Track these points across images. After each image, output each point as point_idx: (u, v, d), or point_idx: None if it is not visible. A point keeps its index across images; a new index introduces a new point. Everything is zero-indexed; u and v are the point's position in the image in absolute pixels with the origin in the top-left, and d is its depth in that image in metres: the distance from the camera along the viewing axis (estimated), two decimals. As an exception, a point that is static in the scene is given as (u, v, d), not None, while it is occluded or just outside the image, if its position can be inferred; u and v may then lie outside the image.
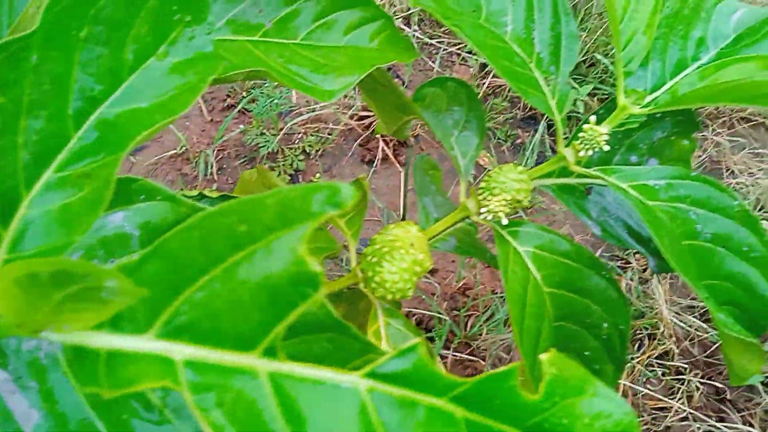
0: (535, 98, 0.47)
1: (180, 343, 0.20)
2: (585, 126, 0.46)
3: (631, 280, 1.13)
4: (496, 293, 1.07)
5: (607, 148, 0.46)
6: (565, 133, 0.50)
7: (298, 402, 0.20)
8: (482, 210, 0.48)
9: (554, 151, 1.24)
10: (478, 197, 0.48)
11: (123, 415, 0.25)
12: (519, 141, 1.23)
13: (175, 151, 1.15)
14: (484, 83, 1.26)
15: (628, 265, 1.15)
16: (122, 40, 0.24)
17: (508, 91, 1.25)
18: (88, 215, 0.23)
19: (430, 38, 1.30)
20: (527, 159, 1.20)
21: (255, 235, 0.19)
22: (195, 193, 0.49)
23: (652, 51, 0.50)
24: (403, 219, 0.85)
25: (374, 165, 1.19)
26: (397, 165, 1.21)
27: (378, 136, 1.21)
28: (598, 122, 0.48)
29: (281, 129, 1.18)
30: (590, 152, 0.46)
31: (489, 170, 0.50)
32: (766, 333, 0.49)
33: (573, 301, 0.52)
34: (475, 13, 0.49)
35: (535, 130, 1.25)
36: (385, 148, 1.20)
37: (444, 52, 1.28)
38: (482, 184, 0.48)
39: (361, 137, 1.21)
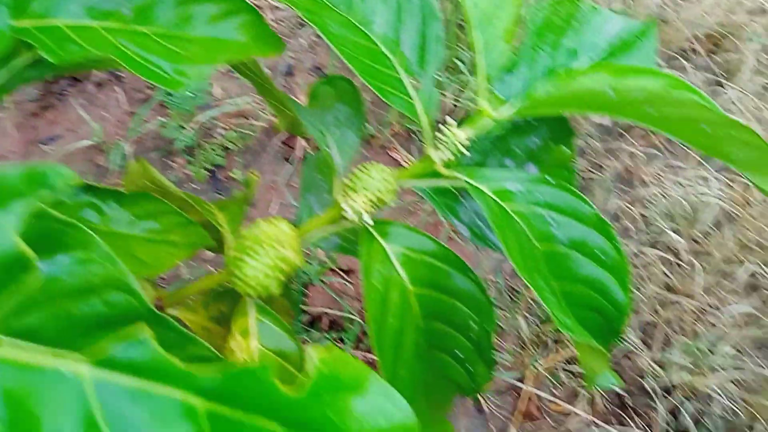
0: (399, 100, 0.47)
1: None
2: (443, 128, 0.47)
3: (543, 285, 1.15)
4: (409, 295, 1.08)
5: (468, 153, 0.47)
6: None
7: (15, 390, 0.20)
8: (344, 207, 0.48)
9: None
10: (342, 195, 0.49)
11: None
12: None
13: (90, 142, 1.13)
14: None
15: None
16: None
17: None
18: None
19: None
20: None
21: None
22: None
23: (521, 58, 0.51)
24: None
25: (294, 163, 1.19)
26: (320, 164, 1.21)
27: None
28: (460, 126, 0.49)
29: (200, 123, 1.16)
30: (450, 155, 0.47)
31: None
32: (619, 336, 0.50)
33: (440, 300, 0.53)
34: (348, 12, 0.50)
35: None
36: (307, 146, 1.19)
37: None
38: (346, 181, 0.49)
39: (282, 135, 1.21)
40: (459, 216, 0.54)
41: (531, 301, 1.14)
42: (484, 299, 0.53)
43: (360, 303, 1.09)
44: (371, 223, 0.49)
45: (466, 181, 0.48)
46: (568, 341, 1.09)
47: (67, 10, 0.42)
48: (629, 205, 1.20)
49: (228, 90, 1.22)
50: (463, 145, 0.47)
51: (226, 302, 0.65)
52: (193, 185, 1.15)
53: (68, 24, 0.42)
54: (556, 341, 1.09)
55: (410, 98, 0.48)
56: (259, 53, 0.44)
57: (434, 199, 0.54)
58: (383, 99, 0.46)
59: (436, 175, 0.53)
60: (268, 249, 0.48)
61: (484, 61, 0.47)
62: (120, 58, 0.41)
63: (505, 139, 0.55)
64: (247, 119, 1.20)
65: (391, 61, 0.48)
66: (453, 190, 0.56)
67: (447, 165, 0.50)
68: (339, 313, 1.08)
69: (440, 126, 0.47)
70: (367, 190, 0.48)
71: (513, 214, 0.48)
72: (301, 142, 1.19)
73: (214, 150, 1.15)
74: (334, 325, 1.08)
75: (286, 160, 1.20)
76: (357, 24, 0.48)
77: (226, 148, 1.17)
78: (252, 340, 0.52)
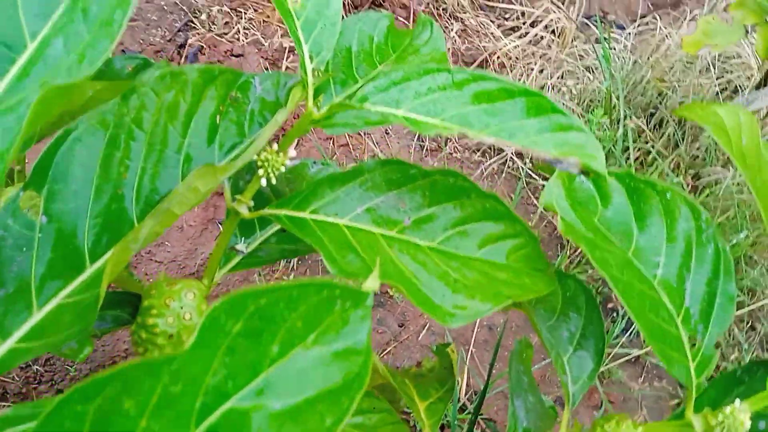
0: (673, 361, 0.42)
1: None
2: (726, 409, 0.40)
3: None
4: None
5: (747, 440, 0.40)
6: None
7: None
8: (587, 468, 0.42)
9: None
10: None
11: None
12: (610, 305, 1.16)
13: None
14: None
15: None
16: (274, 333, 0.21)
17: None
18: None
19: (537, 173, 1.27)
20: (616, 326, 1.13)
21: None
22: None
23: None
24: (487, 381, 0.80)
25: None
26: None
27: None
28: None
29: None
30: (726, 438, 0.41)
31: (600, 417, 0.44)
32: None
33: None
34: (623, 244, 0.45)
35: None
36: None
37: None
38: (594, 435, 0.43)
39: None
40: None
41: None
42: None
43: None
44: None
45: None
46: None
47: (348, 210, 0.41)
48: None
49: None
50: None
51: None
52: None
53: (348, 225, 0.40)
54: None
55: (686, 358, 0.42)
56: (535, 290, 0.40)
57: (676, 460, 0.47)
58: (660, 359, 0.41)
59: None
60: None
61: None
62: (397, 280, 0.38)
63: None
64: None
65: (672, 316, 0.42)
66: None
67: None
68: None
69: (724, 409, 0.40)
70: (616, 453, 0.42)
71: None
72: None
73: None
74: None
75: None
76: (636, 262, 0.44)
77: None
78: None
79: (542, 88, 1.38)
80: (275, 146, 0.38)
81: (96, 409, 0.19)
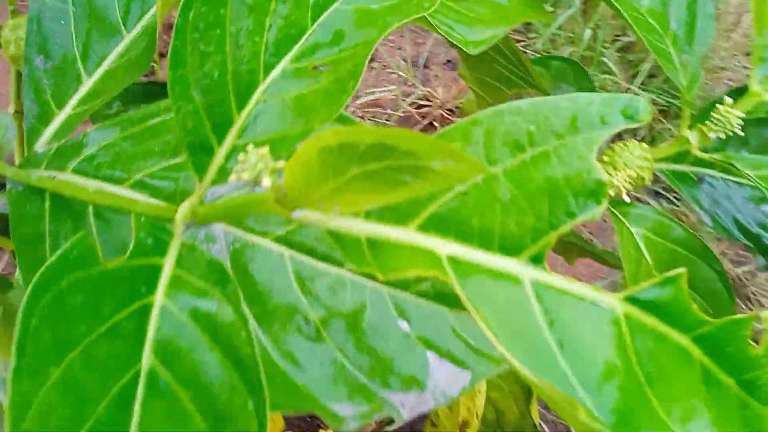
0: (674, 76, 0.46)
1: (444, 239, 0.19)
2: (719, 107, 0.45)
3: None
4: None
5: (742, 133, 0.45)
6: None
7: (559, 313, 0.19)
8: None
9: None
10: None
11: (284, 327, 0.24)
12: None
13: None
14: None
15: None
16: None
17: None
18: (324, 107, 0.22)
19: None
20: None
21: (542, 136, 0.19)
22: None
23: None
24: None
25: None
26: (452, 156, 1.20)
27: (436, 125, 1.20)
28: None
29: (341, 109, 1.17)
30: (722, 135, 0.45)
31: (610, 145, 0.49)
32: None
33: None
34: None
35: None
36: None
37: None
38: (604, 158, 0.47)
39: (419, 125, 1.21)
40: (701, 203, 0.52)
41: None
42: (724, 291, 0.51)
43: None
44: (627, 201, 0.47)
45: (731, 165, 0.47)
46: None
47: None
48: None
49: (364, 80, 1.22)
50: (737, 125, 0.45)
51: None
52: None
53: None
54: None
55: (677, 75, 0.46)
56: (535, 17, 0.44)
57: (677, 184, 0.52)
58: (664, 69, 0.45)
59: (681, 159, 0.52)
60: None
61: (763, 40, 0.45)
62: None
63: (744, 129, 0.53)
64: (384, 109, 1.20)
65: (662, 36, 0.46)
66: (692, 175, 0.54)
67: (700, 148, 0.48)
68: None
69: (717, 106, 0.45)
70: (628, 167, 0.46)
71: (781, 202, 0.46)
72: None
73: (353, 136, 1.16)
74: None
75: (420, 150, 1.19)
76: (622, -4, 0.47)
77: (363, 136, 1.18)
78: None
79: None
80: None
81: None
